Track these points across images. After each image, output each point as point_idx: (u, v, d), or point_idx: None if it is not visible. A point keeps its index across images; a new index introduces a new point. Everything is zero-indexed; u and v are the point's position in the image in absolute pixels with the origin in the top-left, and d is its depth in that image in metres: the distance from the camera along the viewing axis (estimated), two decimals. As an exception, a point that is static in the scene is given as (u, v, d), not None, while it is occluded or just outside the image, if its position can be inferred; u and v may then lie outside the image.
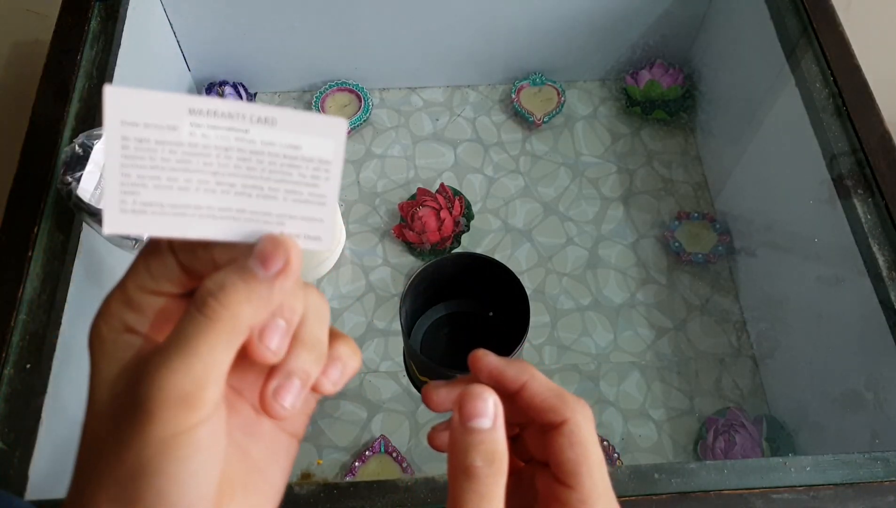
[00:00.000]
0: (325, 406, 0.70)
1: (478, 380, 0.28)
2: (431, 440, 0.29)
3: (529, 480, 0.28)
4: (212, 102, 0.23)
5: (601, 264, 0.78)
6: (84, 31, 0.64)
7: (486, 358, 0.28)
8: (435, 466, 0.67)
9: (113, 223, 0.23)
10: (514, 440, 0.29)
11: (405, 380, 0.71)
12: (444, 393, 0.28)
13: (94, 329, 0.24)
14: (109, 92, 0.21)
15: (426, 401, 0.28)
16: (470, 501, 0.24)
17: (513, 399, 0.27)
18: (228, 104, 0.23)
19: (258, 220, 0.24)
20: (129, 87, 0.22)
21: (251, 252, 0.23)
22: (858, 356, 0.58)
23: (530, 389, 0.27)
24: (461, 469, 0.24)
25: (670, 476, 0.46)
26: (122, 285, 0.24)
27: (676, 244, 0.78)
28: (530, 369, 0.27)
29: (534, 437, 0.28)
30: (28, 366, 0.50)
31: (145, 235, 0.23)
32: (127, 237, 0.53)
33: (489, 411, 0.25)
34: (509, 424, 0.27)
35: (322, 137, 0.24)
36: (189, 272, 0.24)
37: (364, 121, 0.86)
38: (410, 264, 0.78)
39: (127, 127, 0.22)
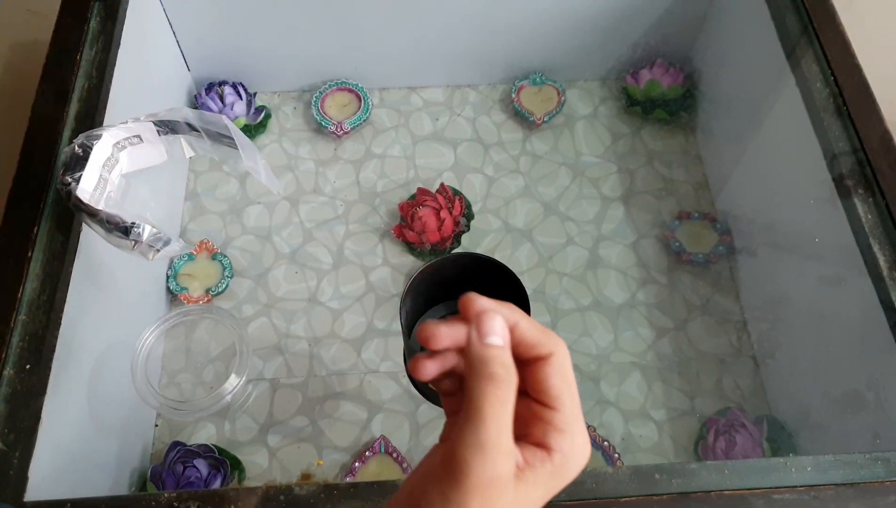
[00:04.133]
0: (325, 407, 0.70)
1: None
2: (414, 370, 0.31)
3: None
4: None
5: (601, 264, 0.78)
6: (83, 31, 0.64)
7: (479, 301, 0.30)
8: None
9: None
10: None
11: (405, 380, 0.71)
12: (444, 330, 0.30)
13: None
14: None
15: (428, 341, 0.30)
16: (492, 404, 0.27)
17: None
18: None
19: None
20: None
21: None
22: (859, 355, 0.58)
23: (521, 327, 0.30)
24: (485, 376, 0.27)
25: (671, 477, 0.46)
26: None
27: (677, 244, 0.78)
28: (519, 311, 0.30)
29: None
30: (28, 366, 0.49)
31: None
32: (126, 237, 0.53)
33: (502, 331, 0.29)
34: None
35: None
36: None
37: (364, 121, 0.86)
38: (410, 264, 0.78)
39: None
